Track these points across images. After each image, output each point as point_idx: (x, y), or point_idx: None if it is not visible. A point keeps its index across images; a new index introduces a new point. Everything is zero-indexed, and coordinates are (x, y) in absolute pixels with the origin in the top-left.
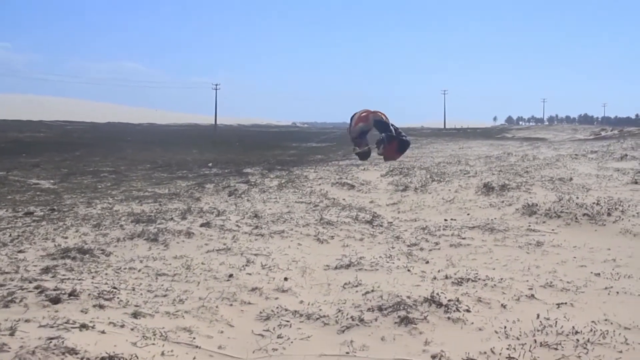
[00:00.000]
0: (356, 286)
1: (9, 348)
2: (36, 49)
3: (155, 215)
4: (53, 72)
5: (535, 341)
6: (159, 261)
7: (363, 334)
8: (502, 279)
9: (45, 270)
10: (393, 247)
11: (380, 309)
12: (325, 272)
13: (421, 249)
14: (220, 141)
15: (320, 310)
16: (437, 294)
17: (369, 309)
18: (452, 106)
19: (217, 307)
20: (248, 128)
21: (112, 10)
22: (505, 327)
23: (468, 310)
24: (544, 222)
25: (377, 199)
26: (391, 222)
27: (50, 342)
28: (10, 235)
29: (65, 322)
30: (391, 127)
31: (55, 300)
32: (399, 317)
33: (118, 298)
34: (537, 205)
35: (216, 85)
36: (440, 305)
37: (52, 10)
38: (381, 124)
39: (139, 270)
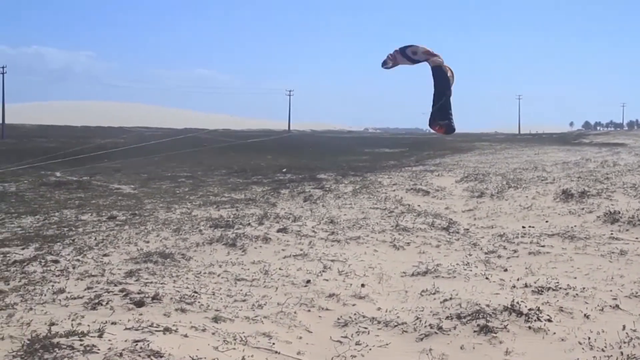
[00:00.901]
0: (434, 293)
1: (98, 349)
2: (117, 58)
3: (232, 221)
4: (132, 79)
5: (622, 353)
6: (238, 266)
7: (442, 342)
8: (584, 288)
9: (129, 273)
10: (470, 255)
11: (459, 317)
12: (402, 278)
13: (499, 257)
14: (294, 146)
15: (398, 317)
16: (517, 302)
17: (447, 317)
18: (527, 111)
19: (295, 312)
20: (321, 134)
21: (189, 20)
22: (589, 338)
23: (550, 320)
24: (627, 230)
25: (453, 205)
26: (467, 229)
27: (137, 344)
28: (95, 239)
29: (150, 325)
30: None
31: (140, 304)
32: (478, 325)
33: (199, 302)
34: (619, 212)
35: (290, 91)
36: (520, 314)
37: (132, 20)
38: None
39: (219, 275)
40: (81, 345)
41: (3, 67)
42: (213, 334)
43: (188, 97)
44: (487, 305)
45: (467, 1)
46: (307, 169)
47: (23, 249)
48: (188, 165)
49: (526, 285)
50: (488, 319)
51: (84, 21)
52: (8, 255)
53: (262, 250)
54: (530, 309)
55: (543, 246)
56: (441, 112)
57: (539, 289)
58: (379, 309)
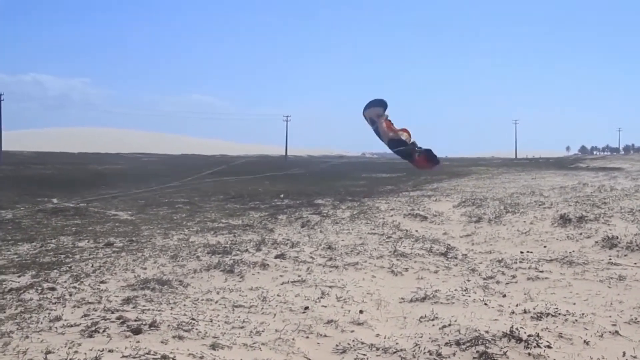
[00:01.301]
0: (432, 320)
1: None
2: (113, 85)
3: (230, 247)
4: (129, 106)
5: None
6: (235, 292)
7: None
8: (583, 314)
9: (127, 300)
10: (469, 280)
11: (458, 343)
12: (401, 304)
13: (497, 282)
14: (291, 172)
15: (397, 343)
16: (517, 328)
17: (446, 344)
18: (524, 136)
19: (293, 339)
20: (318, 159)
21: (185, 46)
22: None
23: (549, 346)
24: (625, 255)
25: (451, 231)
26: (466, 254)
27: None
28: (92, 266)
29: (147, 353)
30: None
31: (137, 331)
32: (477, 352)
33: (197, 329)
34: (617, 237)
35: (287, 117)
36: (520, 340)
37: (128, 47)
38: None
39: (216, 302)
40: None
41: (0, 95)
42: None
43: (185, 123)
44: (486, 332)
45: (462, 26)
46: (304, 194)
47: (19, 276)
48: (185, 191)
49: (525, 311)
50: (487, 345)
51: (81, 48)
52: (4, 282)
53: (259, 276)
54: (529, 335)
55: (542, 271)
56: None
57: (538, 314)
58: (377, 335)
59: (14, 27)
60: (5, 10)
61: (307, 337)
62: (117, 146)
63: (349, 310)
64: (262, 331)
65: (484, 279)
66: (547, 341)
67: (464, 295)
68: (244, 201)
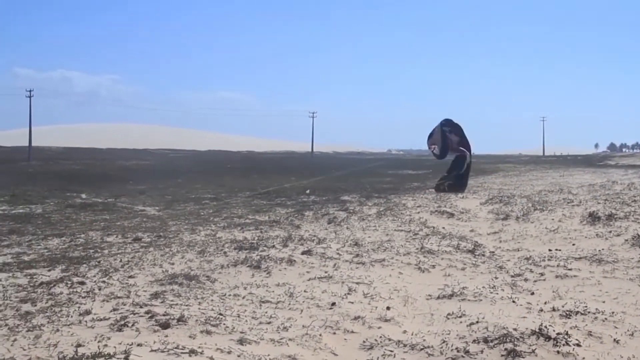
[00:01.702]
0: (460, 317)
1: None
2: (141, 81)
3: (257, 243)
4: (156, 102)
5: None
6: (262, 288)
7: None
8: (613, 312)
9: (155, 295)
10: (496, 278)
11: (485, 340)
12: (428, 301)
13: (525, 280)
14: (317, 168)
15: (424, 340)
16: (545, 326)
17: (474, 341)
18: (551, 133)
19: (320, 335)
20: (344, 155)
21: (212, 43)
22: None
23: (578, 345)
24: None
25: (478, 228)
26: (493, 252)
27: None
28: (120, 261)
29: (175, 347)
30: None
31: (165, 325)
32: (505, 349)
33: (224, 324)
34: None
35: (313, 113)
36: (548, 338)
37: (156, 44)
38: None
39: (243, 297)
40: None
41: (30, 91)
42: (238, 356)
43: (211, 119)
44: (515, 329)
45: (489, 20)
46: (330, 191)
47: (49, 270)
48: (212, 186)
49: (554, 309)
50: (515, 343)
51: (109, 45)
52: (35, 276)
53: (286, 272)
54: (558, 333)
55: (570, 269)
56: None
57: (567, 312)
58: (404, 332)
59: (43, 23)
60: (35, 7)
61: (334, 333)
62: (144, 142)
63: (376, 307)
64: (290, 327)
65: (512, 276)
66: (577, 339)
67: (491, 293)
68: (270, 197)
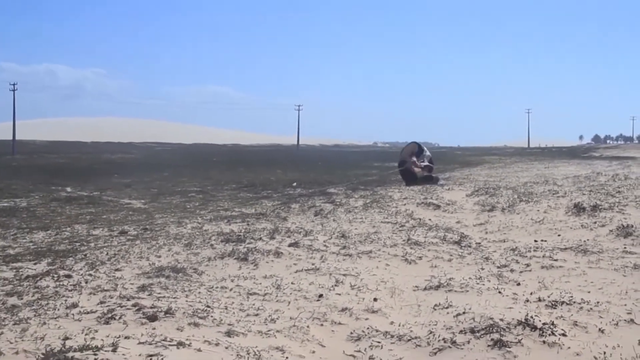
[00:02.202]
0: (447, 307)
1: None
2: (128, 75)
3: (244, 235)
4: (144, 96)
5: None
6: (250, 280)
7: (456, 357)
8: (598, 302)
9: (142, 288)
10: (482, 269)
11: (472, 331)
12: (415, 292)
13: (512, 271)
14: (303, 161)
15: (412, 331)
16: (531, 316)
17: (461, 331)
18: (536, 125)
19: (308, 327)
20: (330, 148)
21: (200, 37)
22: (604, 353)
23: (564, 334)
24: None
25: (464, 219)
26: (479, 243)
27: (151, 358)
28: (107, 254)
29: (163, 340)
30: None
31: (153, 318)
32: (492, 340)
33: (212, 316)
34: (632, 226)
35: (298, 106)
36: (534, 328)
37: (142, 37)
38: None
39: (231, 290)
40: (95, 359)
41: (14, 85)
42: (226, 348)
43: (198, 113)
44: (501, 320)
45: (474, 14)
46: (317, 183)
47: (35, 263)
48: (198, 180)
49: (540, 300)
50: (502, 333)
51: (95, 39)
52: (21, 270)
53: (273, 264)
54: (544, 323)
55: (556, 260)
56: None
57: (553, 303)
58: (392, 322)
59: (28, 17)
60: (19, 0)
61: (322, 325)
62: (129, 136)
63: (363, 298)
64: (277, 319)
65: (498, 267)
66: (562, 329)
67: (478, 284)
68: (256, 190)
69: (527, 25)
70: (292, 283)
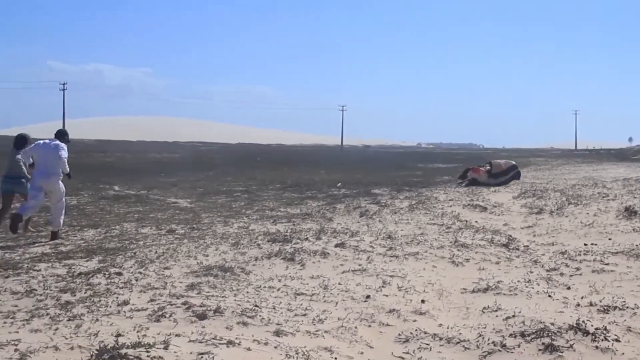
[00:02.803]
0: (496, 311)
1: None
2: (172, 74)
3: (290, 235)
4: (187, 95)
5: None
6: (297, 280)
7: None
8: None
9: (191, 286)
10: (531, 272)
11: (522, 334)
12: (463, 295)
13: (561, 274)
14: (346, 161)
15: (460, 334)
16: (583, 321)
17: (511, 335)
18: (584, 126)
19: (356, 327)
20: (373, 149)
21: (242, 37)
22: None
23: (617, 340)
24: None
25: (511, 222)
26: (527, 246)
27: (202, 357)
28: (156, 252)
29: (213, 338)
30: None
31: (202, 316)
32: (543, 344)
33: (260, 316)
34: None
35: (342, 106)
36: (587, 333)
37: (187, 37)
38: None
39: (278, 289)
40: (148, 356)
41: (64, 84)
42: (275, 347)
43: (241, 113)
44: (552, 324)
45: (522, 14)
46: (361, 184)
47: (87, 261)
48: (243, 179)
49: (591, 304)
50: (553, 337)
51: (141, 39)
52: (73, 267)
53: (320, 265)
54: (596, 328)
55: (607, 264)
56: None
57: (605, 307)
58: (440, 325)
59: (77, 17)
60: (68, 1)
61: (370, 326)
62: (174, 135)
63: (411, 300)
64: (325, 319)
65: (547, 270)
66: (615, 335)
67: (527, 287)
68: (301, 190)
69: (575, 24)
70: (339, 284)
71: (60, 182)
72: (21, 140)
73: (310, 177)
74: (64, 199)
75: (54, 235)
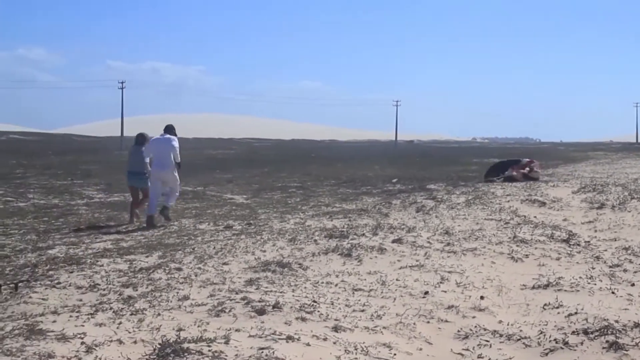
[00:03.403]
0: (557, 307)
1: (226, 356)
2: (226, 72)
3: (346, 231)
4: (241, 92)
5: None
6: (354, 276)
7: (568, 358)
8: None
9: (249, 282)
10: (593, 268)
11: (585, 332)
12: (522, 291)
13: (625, 271)
14: (401, 157)
15: (521, 331)
16: None
17: (573, 332)
18: None
19: (414, 324)
20: (427, 144)
21: (294, 34)
22: None
23: None
24: None
25: (571, 217)
26: (588, 242)
27: (262, 352)
28: (214, 248)
29: (272, 333)
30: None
31: (261, 312)
32: (607, 342)
33: (318, 311)
34: None
35: (397, 101)
36: None
37: (240, 36)
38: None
39: (336, 285)
40: (209, 351)
41: (122, 82)
42: (334, 343)
43: (293, 109)
44: (616, 321)
45: (581, 5)
46: (416, 179)
47: (147, 256)
48: (297, 175)
49: None
50: (617, 335)
51: (196, 37)
52: (134, 262)
53: (377, 260)
54: None
55: None
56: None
57: None
58: (500, 322)
59: (136, 17)
60: (128, 1)
61: (428, 322)
62: (229, 131)
63: (470, 296)
64: (383, 315)
65: (610, 267)
66: None
67: (589, 283)
68: (355, 186)
69: (633, 16)
70: (396, 279)
71: (175, 172)
72: (141, 138)
73: (364, 173)
74: (178, 186)
75: (164, 210)
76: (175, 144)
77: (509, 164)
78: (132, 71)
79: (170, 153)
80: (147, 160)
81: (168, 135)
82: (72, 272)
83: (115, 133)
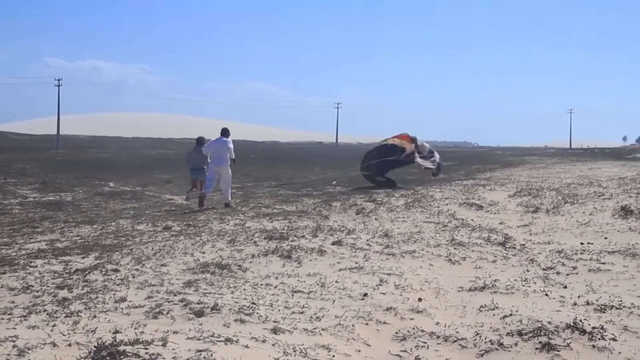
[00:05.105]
0: (493, 309)
1: (163, 358)
2: (170, 71)
3: (286, 233)
4: (185, 92)
5: None
6: (294, 278)
7: (503, 359)
8: None
9: (188, 284)
10: (528, 270)
11: (519, 333)
12: (460, 293)
13: (558, 273)
14: (341, 159)
15: (457, 332)
16: (580, 320)
17: (508, 334)
18: (578, 125)
19: (353, 325)
20: (368, 146)
21: (240, 34)
22: None
23: (614, 339)
24: None
25: (507, 220)
26: (524, 245)
27: (200, 354)
28: (152, 249)
29: (211, 335)
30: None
31: (199, 314)
32: (540, 343)
33: (257, 313)
34: None
35: (338, 104)
36: (583, 332)
37: (184, 35)
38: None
39: (275, 287)
40: (146, 353)
41: (59, 80)
42: (273, 345)
43: (237, 109)
44: (549, 323)
45: (516, 12)
46: (356, 182)
47: (83, 257)
48: (237, 176)
49: (588, 303)
50: (550, 336)
51: (138, 35)
52: (70, 263)
53: (317, 262)
54: (593, 327)
55: (603, 263)
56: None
57: (602, 307)
58: (437, 323)
59: (73, 13)
60: None
61: (367, 324)
62: (169, 131)
63: (408, 298)
64: (322, 317)
65: (544, 269)
66: (612, 334)
67: (523, 286)
68: (296, 187)
69: (569, 23)
70: (336, 281)
71: (229, 168)
72: (200, 140)
73: (305, 175)
74: (230, 179)
75: (227, 205)
76: (231, 145)
77: (385, 153)
78: (71, 69)
79: (226, 152)
80: (208, 157)
81: (224, 138)
82: (3, 274)
83: (51, 131)
